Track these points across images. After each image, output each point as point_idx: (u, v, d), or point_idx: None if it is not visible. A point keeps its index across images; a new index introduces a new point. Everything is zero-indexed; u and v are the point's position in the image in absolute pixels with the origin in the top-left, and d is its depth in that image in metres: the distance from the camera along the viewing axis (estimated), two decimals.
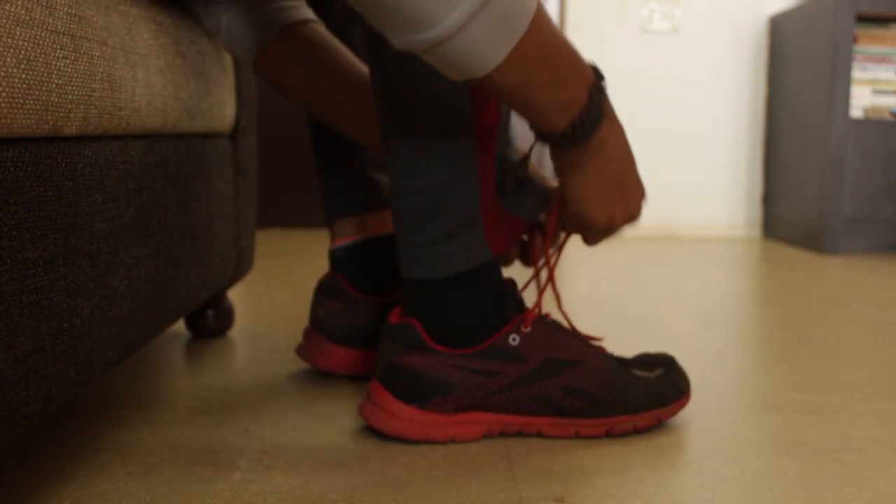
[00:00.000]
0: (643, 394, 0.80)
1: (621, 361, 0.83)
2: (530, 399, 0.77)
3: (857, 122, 2.23)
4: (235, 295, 1.50)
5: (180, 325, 1.24)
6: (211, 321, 1.17)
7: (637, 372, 0.82)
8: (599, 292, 1.59)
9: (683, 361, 1.08)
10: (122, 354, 0.70)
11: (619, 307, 1.44)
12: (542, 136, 0.69)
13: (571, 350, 0.78)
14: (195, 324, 1.17)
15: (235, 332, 1.21)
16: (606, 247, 2.34)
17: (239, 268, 1.12)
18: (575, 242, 2.42)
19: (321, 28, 0.94)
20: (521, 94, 0.64)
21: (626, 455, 0.75)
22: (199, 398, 0.90)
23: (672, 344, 1.18)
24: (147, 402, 0.89)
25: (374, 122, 0.90)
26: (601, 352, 0.80)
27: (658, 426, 0.82)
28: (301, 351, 0.99)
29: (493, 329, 0.77)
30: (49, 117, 0.55)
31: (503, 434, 0.79)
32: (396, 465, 0.72)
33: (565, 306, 1.43)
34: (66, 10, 0.57)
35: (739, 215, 2.67)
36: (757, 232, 2.68)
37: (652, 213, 2.64)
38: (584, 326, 1.28)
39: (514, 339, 0.77)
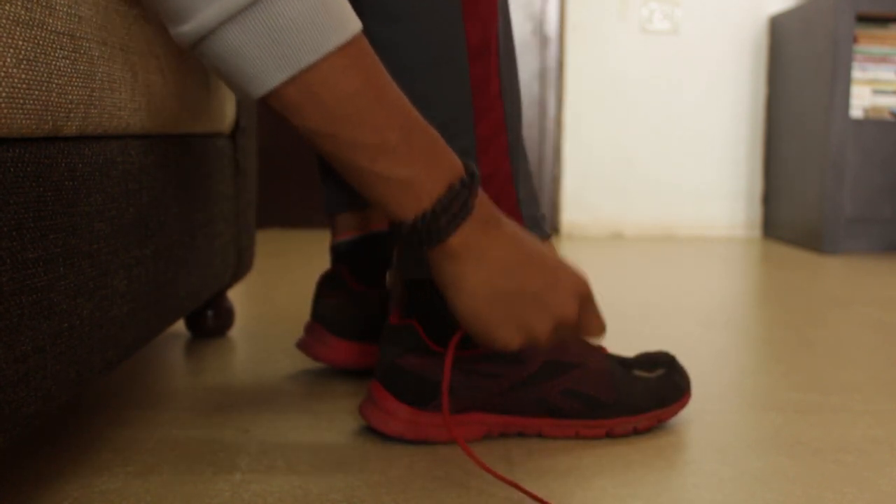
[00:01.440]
0: (644, 395, 0.80)
1: (622, 362, 0.83)
2: (531, 401, 0.77)
3: (857, 122, 2.23)
4: (235, 295, 1.50)
5: (180, 325, 1.24)
6: (211, 321, 1.17)
7: (638, 372, 0.82)
8: (599, 292, 1.59)
9: (683, 361, 1.08)
10: (122, 354, 0.70)
11: (619, 307, 1.44)
12: (392, 229, 0.61)
13: (571, 352, 0.78)
14: (195, 324, 1.17)
15: (235, 332, 1.21)
16: (607, 247, 2.34)
17: (239, 268, 1.12)
18: (578, 247, 2.42)
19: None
20: (332, 150, 0.56)
21: (626, 455, 0.75)
22: (199, 398, 0.90)
23: (672, 344, 1.18)
24: (147, 402, 0.89)
25: None
26: (602, 353, 0.80)
27: (658, 426, 0.82)
28: (302, 344, 0.99)
29: None
30: (49, 117, 0.55)
31: (503, 435, 0.79)
32: (396, 465, 0.72)
33: None
34: (65, 10, 0.57)
35: (739, 215, 2.67)
36: (757, 232, 2.68)
37: (652, 213, 2.64)
38: None
39: None
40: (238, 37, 0.51)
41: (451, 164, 0.59)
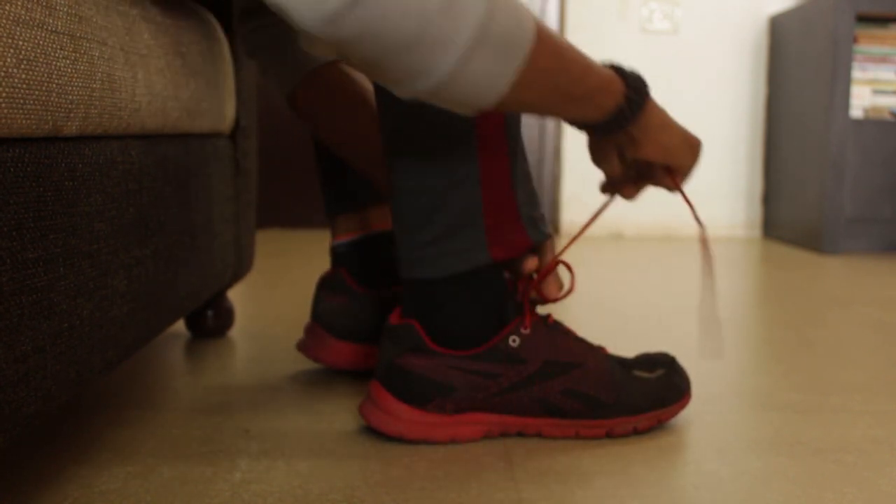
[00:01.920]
0: (643, 395, 0.80)
1: (622, 363, 0.83)
2: (530, 401, 0.77)
3: (857, 122, 2.23)
4: (235, 295, 1.50)
5: (180, 325, 1.24)
6: (211, 321, 1.17)
7: (638, 373, 0.82)
8: (599, 292, 1.59)
9: (684, 361, 1.08)
10: (121, 354, 0.70)
11: (619, 307, 1.45)
12: (596, 128, 0.73)
13: (572, 352, 0.78)
14: (195, 324, 1.17)
15: (235, 332, 1.22)
16: (607, 247, 2.35)
17: (239, 268, 1.12)
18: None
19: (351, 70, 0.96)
20: (546, 108, 0.66)
21: (626, 455, 0.75)
22: (199, 398, 0.90)
23: (672, 344, 1.18)
24: (147, 402, 0.89)
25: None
26: (602, 353, 0.80)
27: (658, 426, 0.82)
28: (302, 346, 0.99)
29: (493, 331, 0.77)
30: (49, 117, 0.55)
31: (503, 435, 0.79)
32: (396, 465, 0.72)
33: (566, 306, 1.43)
34: (66, 10, 0.57)
35: (739, 215, 2.67)
36: (757, 232, 2.68)
37: (652, 213, 2.64)
38: (584, 326, 1.28)
39: (514, 341, 0.77)
40: (472, 70, 0.58)
41: (607, 74, 0.70)
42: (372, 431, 0.80)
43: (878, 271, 1.94)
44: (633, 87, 0.71)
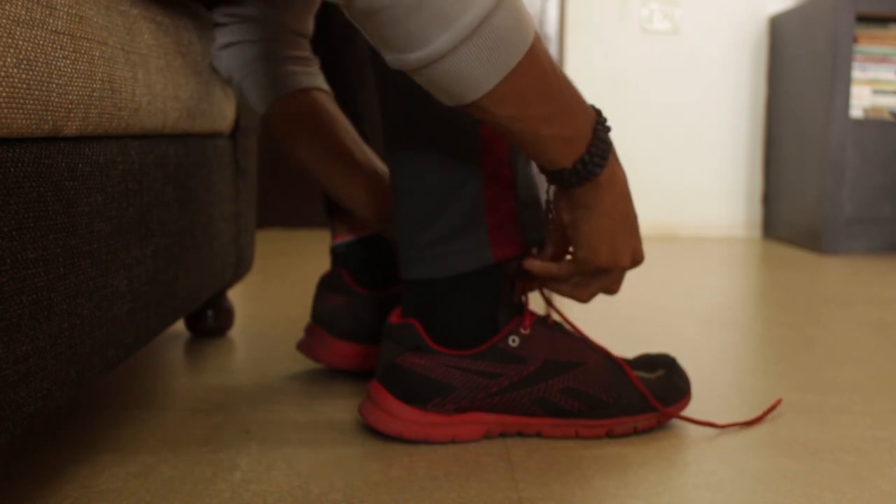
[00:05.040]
0: (643, 396, 0.80)
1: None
2: (530, 400, 0.77)
3: (857, 122, 2.23)
4: (235, 295, 1.50)
5: (180, 325, 1.24)
6: (211, 321, 1.17)
7: (638, 373, 0.82)
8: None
9: (683, 361, 1.08)
10: (122, 354, 0.70)
11: (619, 307, 1.45)
12: (551, 176, 0.70)
13: (572, 351, 0.78)
14: (195, 324, 1.17)
15: (235, 332, 1.21)
16: None
17: (239, 268, 1.12)
18: None
19: (328, 98, 0.97)
20: (520, 127, 0.64)
21: (626, 455, 0.75)
22: (199, 398, 0.90)
23: (672, 344, 1.18)
24: (147, 402, 0.89)
25: (361, 196, 0.92)
26: (602, 352, 0.80)
27: (658, 427, 0.82)
28: (302, 346, 0.99)
29: (493, 330, 0.77)
30: (49, 117, 0.55)
31: (503, 434, 0.79)
32: (396, 466, 0.72)
33: (566, 306, 1.43)
34: (66, 10, 0.57)
35: (739, 215, 2.67)
36: (757, 232, 2.68)
37: (652, 213, 2.64)
38: (585, 326, 1.28)
39: (513, 341, 0.77)
40: (465, 56, 0.58)
41: (589, 110, 0.68)
42: (372, 431, 0.80)
43: (878, 271, 1.94)
44: (601, 137, 0.68)
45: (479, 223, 0.76)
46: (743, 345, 1.18)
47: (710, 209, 2.65)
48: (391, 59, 0.60)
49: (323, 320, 0.98)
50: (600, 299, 1.52)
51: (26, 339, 0.52)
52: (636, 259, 0.74)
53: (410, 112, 0.75)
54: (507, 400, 0.77)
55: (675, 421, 0.84)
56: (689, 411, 0.88)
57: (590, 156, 0.67)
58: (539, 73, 0.62)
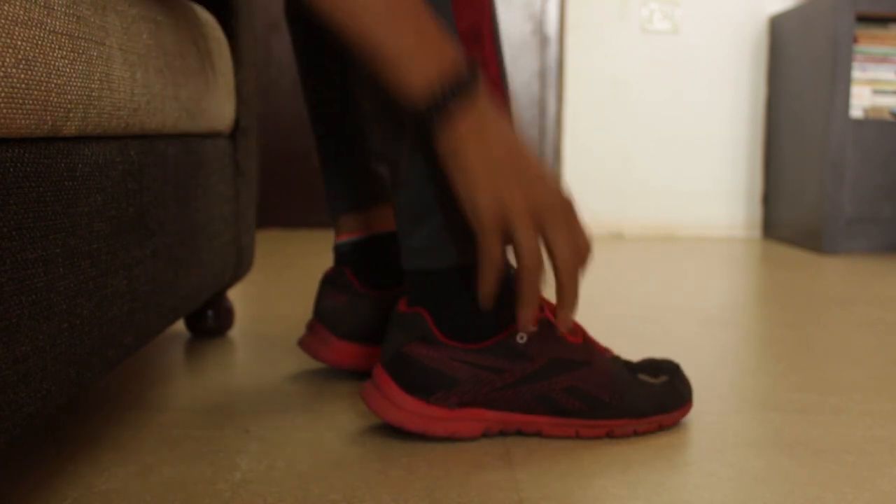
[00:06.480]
0: (646, 399, 0.79)
1: (627, 366, 0.83)
2: (532, 398, 0.77)
3: (857, 122, 2.23)
4: (235, 295, 1.50)
5: (180, 325, 1.24)
6: (211, 321, 1.17)
7: (642, 377, 0.82)
8: (599, 292, 1.59)
9: (684, 362, 1.08)
10: (121, 354, 0.70)
11: (619, 307, 1.44)
12: (408, 111, 0.66)
13: (578, 351, 0.78)
14: (195, 324, 1.17)
15: (235, 332, 1.21)
16: (607, 247, 2.34)
17: (239, 268, 1.12)
18: None
19: None
20: (364, 23, 0.61)
21: (626, 455, 0.75)
22: (199, 398, 0.90)
23: (672, 344, 1.18)
24: (147, 402, 0.89)
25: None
26: (608, 354, 0.80)
27: (659, 430, 0.82)
28: (304, 343, 0.99)
29: (501, 325, 0.77)
30: (48, 117, 0.55)
31: (503, 432, 0.79)
32: (396, 465, 0.72)
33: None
34: (64, 10, 0.57)
35: (739, 215, 2.67)
36: (757, 232, 2.68)
37: (652, 213, 2.64)
38: (584, 326, 1.28)
39: (521, 338, 0.76)
40: None
41: (454, 53, 0.65)
42: (372, 431, 0.80)
43: (878, 271, 1.94)
44: (469, 68, 0.64)
45: None
46: (743, 345, 1.18)
47: (710, 209, 2.65)
48: None
49: (325, 318, 0.98)
50: (599, 299, 1.52)
51: (26, 339, 0.52)
52: (509, 212, 0.67)
53: None
54: (509, 395, 0.77)
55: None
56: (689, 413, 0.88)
57: (445, 91, 0.63)
58: None
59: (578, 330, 0.80)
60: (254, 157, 1.18)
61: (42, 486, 0.67)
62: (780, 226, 2.53)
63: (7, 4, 0.50)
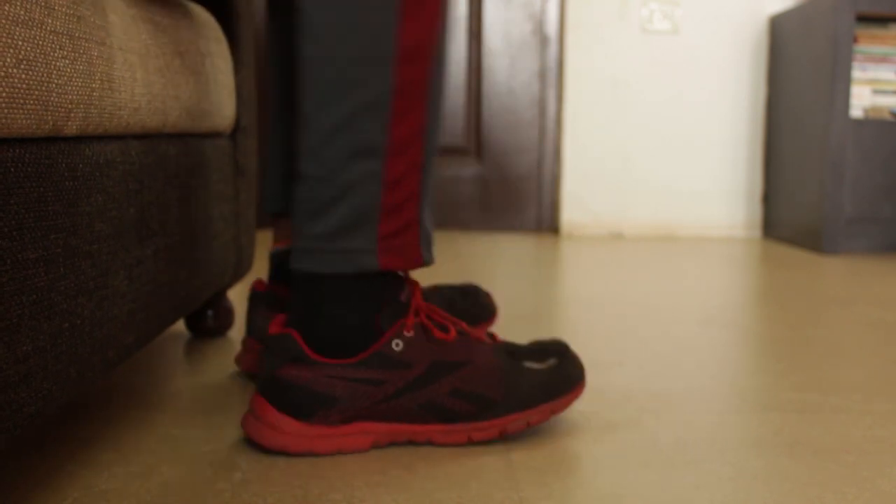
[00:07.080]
0: (533, 388, 0.78)
1: (512, 352, 0.80)
2: (418, 406, 0.75)
3: (857, 122, 2.23)
4: (235, 295, 1.50)
5: (180, 325, 1.24)
6: (211, 321, 1.17)
7: (528, 364, 0.79)
8: (599, 292, 1.59)
9: (684, 361, 1.08)
10: (122, 355, 0.70)
11: (619, 307, 1.44)
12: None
13: (456, 350, 0.76)
14: (195, 324, 1.17)
15: (235, 332, 1.21)
16: (607, 247, 2.35)
17: (239, 268, 1.12)
18: (576, 243, 2.42)
19: None
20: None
21: (626, 455, 0.75)
22: (199, 398, 0.90)
23: (672, 344, 1.18)
24: (147, 402, 0.89)
25: None
26: (489, 345, 0.78)
27: (552, 418, 0.82)
28: (241, 361, 0.96)
29: (375, 336, 0.75)
30: (49, 117, 0.55)
31: (393, 444, 0.77)
32: (396, 465, 0.72)
33: (564, 306, 1.43)
34: (64, 10, 0.57)
35: (739, 215, 2.67)
36: (757, 232, 2.68)
37: (652, 213, 2.64)
38: (584, 326, 1.28)
39: (397, 345, 0.74)
40: None
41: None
42: None
43: (878, 271, 1.94)
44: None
45: (371, 227, 0.73)
46: (743, 345, 1.18)
47: (710, 209, 2.65)
48: None
49: (261, 336, 0.94)
50: (599, 299, 1.52)
51: (26, 339, 0.52)
52: None
53: (320, 93, 0.71)
54: (394, 407, 0.74)
55: (675, 421, 0.84)
56: (688, 411, 0.88)
57: None
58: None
59: (449, 325, 0.77)
60: (254, 157, 1.18)
61: (42, 485, 0.67)
62: (780, 226, 2.53)
63: (7, 4, 0.50)
